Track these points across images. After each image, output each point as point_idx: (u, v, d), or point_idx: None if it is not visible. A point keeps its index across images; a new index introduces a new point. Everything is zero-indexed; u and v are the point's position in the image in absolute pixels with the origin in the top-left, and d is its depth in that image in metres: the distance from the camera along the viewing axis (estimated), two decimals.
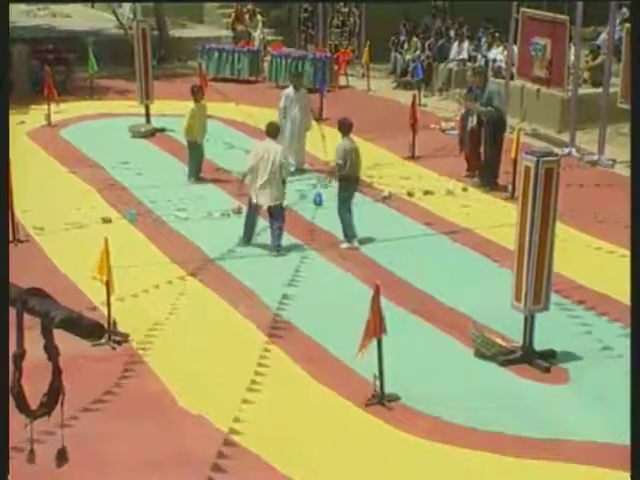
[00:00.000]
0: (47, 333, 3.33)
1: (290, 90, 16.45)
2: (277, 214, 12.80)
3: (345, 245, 12.97)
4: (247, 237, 13.04)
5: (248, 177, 12.83)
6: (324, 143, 16.54)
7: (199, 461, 7.96)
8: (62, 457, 3.64)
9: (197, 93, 16.00)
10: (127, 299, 10.92)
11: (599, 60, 20.34)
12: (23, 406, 3.45)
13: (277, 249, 12.75)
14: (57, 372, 3.44)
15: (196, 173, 15.90)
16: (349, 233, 13.00)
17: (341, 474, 7.96)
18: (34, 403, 3.60)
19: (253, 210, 12.96)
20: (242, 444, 8.22)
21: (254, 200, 12.82)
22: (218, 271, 12.18)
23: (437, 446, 8.30)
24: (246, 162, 12.93)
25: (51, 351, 3.39)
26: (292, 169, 14.68)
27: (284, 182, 12.81)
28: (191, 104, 15.92)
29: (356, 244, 12.97)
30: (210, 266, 12.33)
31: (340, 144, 13.07)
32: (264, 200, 12.73)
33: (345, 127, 13.15)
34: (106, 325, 9.81)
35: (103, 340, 9.24)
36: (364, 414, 8.74)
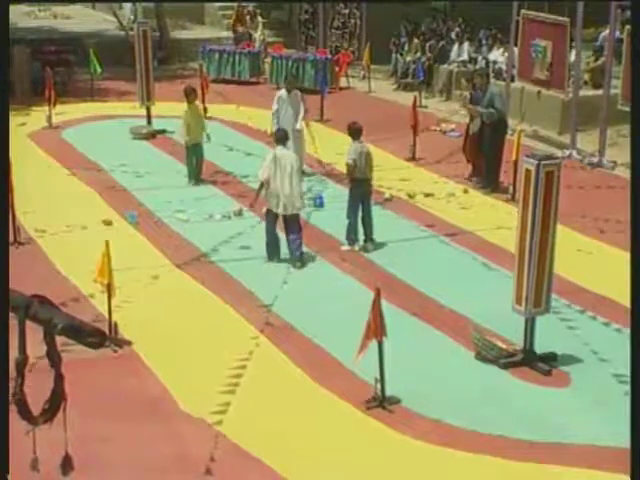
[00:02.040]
0: (49, 340, 3.34)
1: (283, 92, 16.14)
2: (294, 222, 12.43)
3: (345, 247, 12.98)
4: (274, 255, 12.54)
5: (264, 189, 12.34)
6: (315, 144, 16.57)
7: (200, 464, 7.96)
8: (67, 465, 3.64)
9: (190, 95, 16.02)
10: (128, 301, 10.91)
11: (599, 62, 20.35)
12: (25, 413, 3.46)
13: (300, 258, 12.37)
14: (59, 379, 3.45)
15: (196, 175, 15.92)
16: (351, 236, 13.01)
17: (342, 477, 7.96)
18: (36, 408, 3.61)
19: (272, 222, 12.46)
20: (242, 447, 8.23)
21: (276, 210, 12.30)
22: (218, 273, 12.18)
23: (438, 449, 8.30)
24: (261, 174, 12.42)
25: (54, 358, 3.40)
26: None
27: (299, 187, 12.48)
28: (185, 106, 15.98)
29: (356, 248, 12.98)
30: (210, 268, 12.34)
31: (352, 146, 13.07)
32: (285, 209, 12.27)
33: (355, 131, 13.11)
34: (107, 327, 9.82)
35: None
36: (365, 417, 8.74)
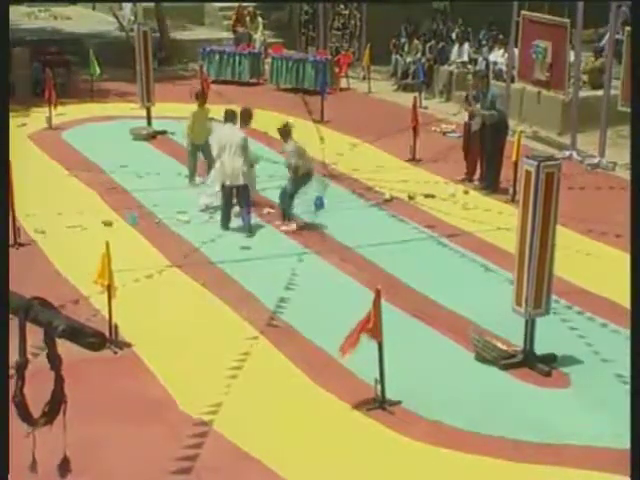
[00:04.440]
0: (50, 342, 3.35)
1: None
2: (244, 194, 13.54)
3: (285, 227, 13.70)
4: (225, 222, 13.71)
5: (217, 165, 13.53)
6: (323, 145, 16.60)
7: (199, 465, 7.97)
8: (65, 467, 3.65)
9: (199, 98, 16.06)
10: (128, 302, 10.90)
11: (597, 63, 20.35)
12: (25, 415, 3.47)
13: (249, 230, 13.50)
14: (59, 381, 3.45)
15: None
16: (289, 215, 13.88)
17: (342, 478, 7.96)
18: (36, 410, 3.62)
19: (228, 194, 13.59)
20: (242, 448, 8.23)
21: (227, 183, 13.44)
22: (219, 274, 12.19)
23: (438, 450, 8.30)
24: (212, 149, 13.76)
25: (54, 360, 3.40)
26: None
27: (252, 166, 13.85)
28: (192, 107, 15.96)
29: (294, 226, 13.66)
30: (211, 269, 12.34)
31: (288, 148, 13.76)
32: (235, 181, 13.41)
33: (285, 132, 13.83)
34: (107, 329, 9.81)
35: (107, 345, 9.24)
36: (365, 418, 8.74)
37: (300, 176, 13.74)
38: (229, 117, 13.80)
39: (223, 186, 13.58)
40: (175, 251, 12.88)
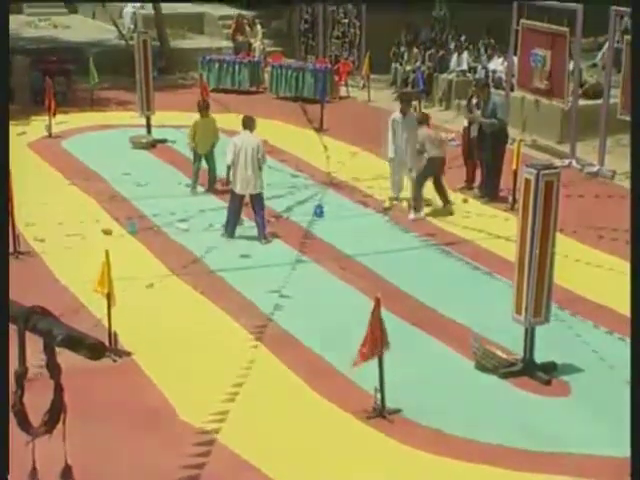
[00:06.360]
0: (49, 351, 3.34)
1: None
2: (259, 202, 13.54)
3: (412, 216, 14.57)
4: (231, 230, 13.71)
5: (231, 171, 13.43)
6: (327, 154, 16.58)
7: (199, 474, 7.96)
8: (67, 475, 3.64)
9: (202, 109, 16.07)
10: (128, 310, 10.90)
11: (593, 81, 20.40)
12: (25, 424, 3.46)
13: (265, 237, 13.52)
14: (59, 390, 3.45)
15: (210, 185, 15.90)
16: (417, 204, 14.64)
17: None
18: (35, 419, 3.61)
19: (237, 202, 13.60)
20: (242, 457, 8.23)
21: (238, 191, 13.46)
22: (218, 282, 12.18)
23: (437, 458, 8.30)
24: (226, 156, 13.48)
25: (53, 369, 3.40)
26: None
27: (260, 169, 13.51)
28: (192, 116, 15.97)
29: (421, 214, 14.60)
30: (211, 277, 12.34)
31: (420, 131, 14.71)
32: (248, 190, 13.43)
33: (423, 118, 15.32)
34: (107, 337, 9.81)
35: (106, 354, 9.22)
36: (365, 427, 8.74)
37: (427, 162, 14.53)
38: (246, 124, 13.74)
39: (234, 193, 13.57)
40: (175, 259, 12.88)
